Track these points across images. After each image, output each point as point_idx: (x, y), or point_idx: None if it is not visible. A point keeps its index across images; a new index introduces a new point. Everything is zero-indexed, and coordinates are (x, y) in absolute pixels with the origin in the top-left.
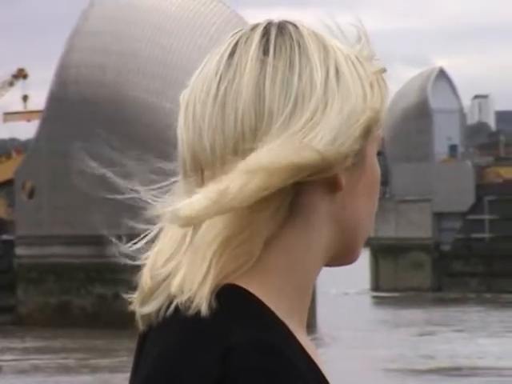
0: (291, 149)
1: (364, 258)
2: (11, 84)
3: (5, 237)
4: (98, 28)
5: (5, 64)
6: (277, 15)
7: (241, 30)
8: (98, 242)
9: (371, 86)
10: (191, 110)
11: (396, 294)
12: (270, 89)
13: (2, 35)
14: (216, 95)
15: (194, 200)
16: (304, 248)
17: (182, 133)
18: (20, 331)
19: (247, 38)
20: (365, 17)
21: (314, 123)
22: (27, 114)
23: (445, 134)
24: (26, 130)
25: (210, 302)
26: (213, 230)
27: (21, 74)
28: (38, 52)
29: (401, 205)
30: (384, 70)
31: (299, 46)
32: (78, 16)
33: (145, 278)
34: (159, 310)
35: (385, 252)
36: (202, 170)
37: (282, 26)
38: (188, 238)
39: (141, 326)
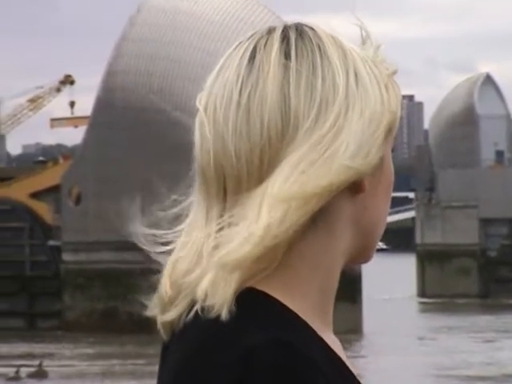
0: (322, 167)
1: (410, 264)
2: (58, 90)
3: (51, 243)
4: (144, 34)
5: (52, 70)
6: (320, 21)
7: (256, 34)
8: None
9: (386, 88)
10: (211, 116)
11: (442, 300)
12: (294, 93)
13: (48, 41)
14: (239, 101)
15: (236, 245)
16: (326, 251)
17: (203, 138)
18: (66, 337)
19: (266, 42)
20: (406, 23)
21: (338, 128)
22: (74, 120)
23: (491, 140)
24: (73, 136)
25: (231, 305)
26: None
27: (68, 81)
28: (84, 58)
29: (447, 211)
30: (396, 72)
31: (320, 50)
32: (125, 22)
33: (164, 287)
34: (180, 316)
35: (431, 258)
36: (224, 177)
37: (300, 30)
38: (211, 245)
39: (163, 333)
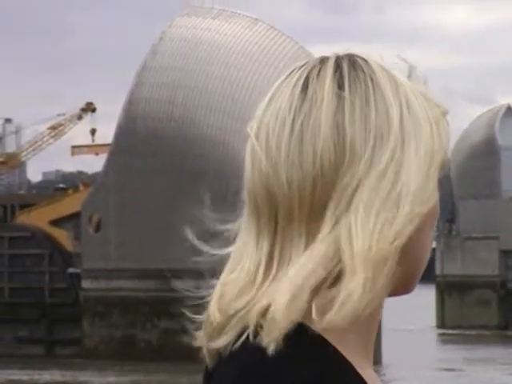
0: (391, 219)
1: (430, 295)
2: (80, 118)
3: (71, 270)
4: (166, 63)
5: (74, 98)
6: (341, 49)
7: (307, 63)
8: (164, 276)
9: (437, 124)
10: (264, 143)
11: (462, 332)
12: (349, 123)
13: (71, 69)
14: (292, 129)
15: (337, 307)
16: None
17: (254, 166)
18: (86, 364)
19: (319, 72)
20: (427, 53)
21: (396, 163)
22: (95, 148)
23: None
24: (94, 164)
25: (279, 339)
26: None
27: (89, 108)
28: (106, 86)
29: (467, 242)
30: (447, 113)
31: (372, 81)
32: (147, 51)
33: (213, 312)
34: (228, 344)
35: (451, 289)
36: (276, 205)
37: (352, 60)
38: (271, 270)
39: (208, 361)
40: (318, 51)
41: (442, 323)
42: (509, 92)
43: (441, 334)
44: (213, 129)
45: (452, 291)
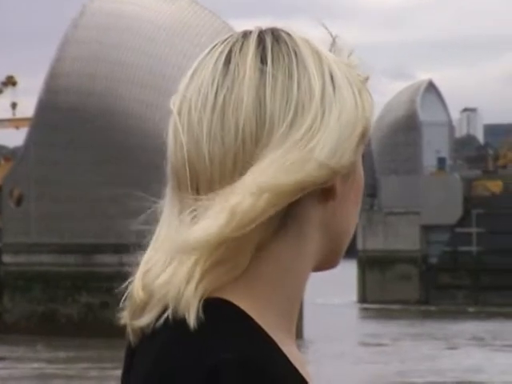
0: (297, 164)
1: (351, 269)
2: (0, 91)
3: None
4: (87, 37)
5: None
6: (267, 23)
7: (231, 37)
8: (86, 250)
9: (360, 93)
10: (186, 118)
11: (383, 306)
12: (270, 98)
13: None
14: (214, 104)
15: (202, 225)
16: (295, 257)
17: (176, 141)
18: (5, 339)
19: (242, 46)
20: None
21: (313, 132)
22: (16, 122)
23: (433, 147)
24: (15, 138)
25: (198, 314)
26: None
27: (10, 82)
28: (27, 60)
29: (389, 217)
30: (368, 79)
31: (296, 55)
32: (68, 25)
33: (136, 289)
34: (151, 322)
35: (372, 264)
36: (197, 179)
37: (276, 34)
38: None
39: (131, 338)
40: (240, 26)
41: (363, 298)
42: (428, 68)
43: (362, 309)
44: (135, 103)
45: (373, 266)
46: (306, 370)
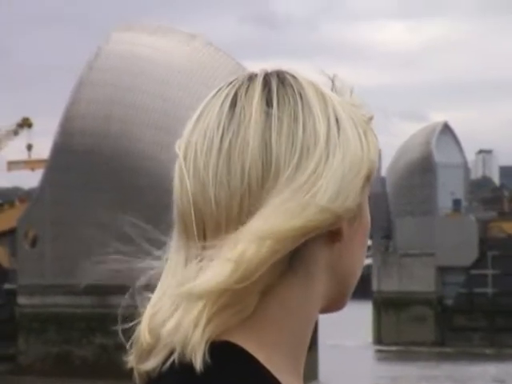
0: (298, 209)
1: (366, 311)
2: (16, 133)
3: (7, 286)
4: (102, 79)
5: (9, 113)
6: (273, 66)
7: (236, 80)
8: (100, 292)
9: (365, 135)
10: (191, 163)
11: (399, 348)
12: (276, 141)
13: (5, 85)
14: (220, 148)
15: (208, 276)
16: (302, 299)
17: (182, 185)
18: (20, 381)
19: (247, 89)
20: (360, 72)
21: (317, 175)
22: (31, 163)
23: (449, 189)
24: (30, 179)
25: (205, 357)
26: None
27: (25, 123)
28: (42, 102)
29: (404, 259)
30: (372, 118)
31: (301, 97)
32: (83, 67)
33: (143, 333)
34: (157, 366)
35: (387, 305)
36: (204, 224)
37: (281, 77)
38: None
39: (138, 382)
40: (254, 67)
41: (378, 339)
42: (441, 109)
43: (378, 351)
44: (150, 145)
45: (388, 307)
46: None
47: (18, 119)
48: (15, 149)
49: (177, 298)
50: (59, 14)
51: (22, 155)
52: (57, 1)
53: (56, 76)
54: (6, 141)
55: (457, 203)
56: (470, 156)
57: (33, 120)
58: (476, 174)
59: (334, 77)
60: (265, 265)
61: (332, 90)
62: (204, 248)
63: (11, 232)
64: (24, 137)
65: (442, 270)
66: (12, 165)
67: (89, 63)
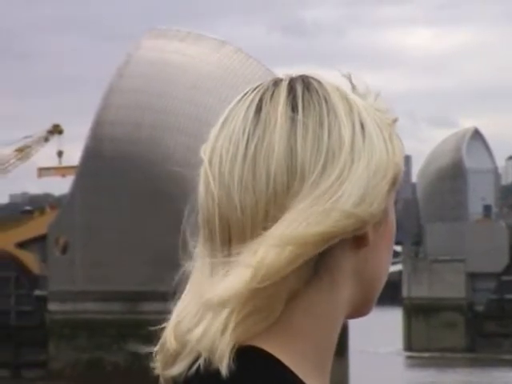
0: (321, 214)
1: (397, 317)
2: (46, 140)
3: (38, 292)
4: (132, 86)
5: (40, 120)
6: (298, 71)
7: (261, 85)
8: (131, 298)
9: (390, 139)
10: (217, 168)
11: (429, 354)
12: (301, 146)
13: (36, 92)
14: (245, 153)
15: (226, 284)
16: (328, 306)
17: (207, 190)
18: None
19: (272, 94)
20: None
21: (342, 180)
22: (62, 170)
23: (479, 195)
24: (61, 186)
25: (230, 362)
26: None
27: (56, 130)
28: (73, 108)
29: (434, 265)
30: (396, 120)
31: (326, 102)
32: (113, 74)
33: (169, 339)
34: (183, 372)
35: (418, 311)
36: (229, 229)
37: (306, 82)
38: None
39: None
40: (282, 73)
41: (409, 346)
42: (471, 115)
43: (408, 357)
44: (180, 151)
45: (419, 314)
46: None
47: (48, 126)
48: (46, 155)
49: (201, 306)
50: (88, 22)
51: (53, 162)
52: (87, 10)
53: (86, 83)
54: (36, 147)
55: (487, 209)
56: (501, 162)
57: (63, 126)
58: (506, 179)
59: (359, 81)
60: (285, 270)
61: (355, 93)
62: (229, 255)
63: (42, 238)
64: (55, 143)
65: (473, 276)
66: (43, 171)
67: (119, 70)
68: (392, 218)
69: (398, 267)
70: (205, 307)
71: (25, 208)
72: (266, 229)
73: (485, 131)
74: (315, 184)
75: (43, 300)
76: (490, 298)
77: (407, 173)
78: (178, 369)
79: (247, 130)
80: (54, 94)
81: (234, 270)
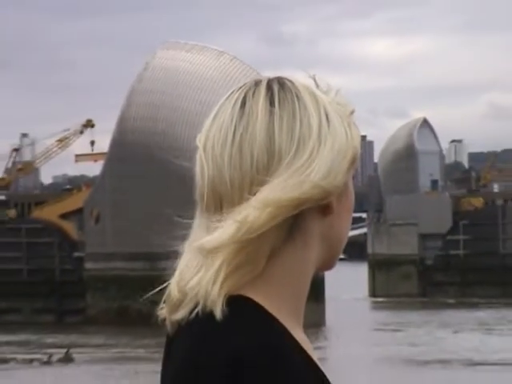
0: (295, 185)
1: (363, 270)
2: (81, 132)
3: (77, 254)
4: (150, 88)
5: (76, 116)
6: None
7: (245, 85)
8: (151, 258)
9: (349, 126)
10: (210, 152)
11: (390, 300)
12: (278, 134)
13: (73, 93)
14: (233, 140)
15: (216, 234)
16: (301, 262)
17: (202, 170)
18: (88, 330)
19: (254, 92)
20: (351, 79)
21: (311, 160)
22: (94, 156)
23: (428, 171)
24: (93, 169)
25: (223, 308)
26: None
27: (89, 124)
28: (103, 106)
29: (393, 228)
30: (353, 112)
31: (298, 98)
32: (134, 78)
33: (173, 290)
34: (185, 316)
35: (380, 265)
36: (221, 201)
37: (281, 82)
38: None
39: (169, 329)
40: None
41: (373, 293)
42: (420, 108)
43: (373, 302)
44: (187, 141)
45: (381, 267)
46: (314, 355)
47: (83, 121)
48: (81, 145)
49: (198, 257)
50: (113, 35)
51: (87, 149)
52: (110, 26)
53: (112, 86)
54: (73, 138)
55: (434, 183)
56: (445, 145)
57: (95, 121)
58: (449, 159)
59: (322, 81)
60: (265, 226)
61: (319, 90)
62: (221, 218)
63: (79, 211)
64: (88, 135)
65: (423, 237)
66: (79, 157)
67: (139, 75)
68: (351, 190)
69: (363, 230)
70: (199, 253)
71: (65, 187)
72: (249, 199)
73: (432, 121)
74: (290, 163)
75: (81, 260)
76: (437, 254)
77: (370, 154)
78: (181, 314)
79: (234, 121)
80: (88, 95)
81: (223, 223)
